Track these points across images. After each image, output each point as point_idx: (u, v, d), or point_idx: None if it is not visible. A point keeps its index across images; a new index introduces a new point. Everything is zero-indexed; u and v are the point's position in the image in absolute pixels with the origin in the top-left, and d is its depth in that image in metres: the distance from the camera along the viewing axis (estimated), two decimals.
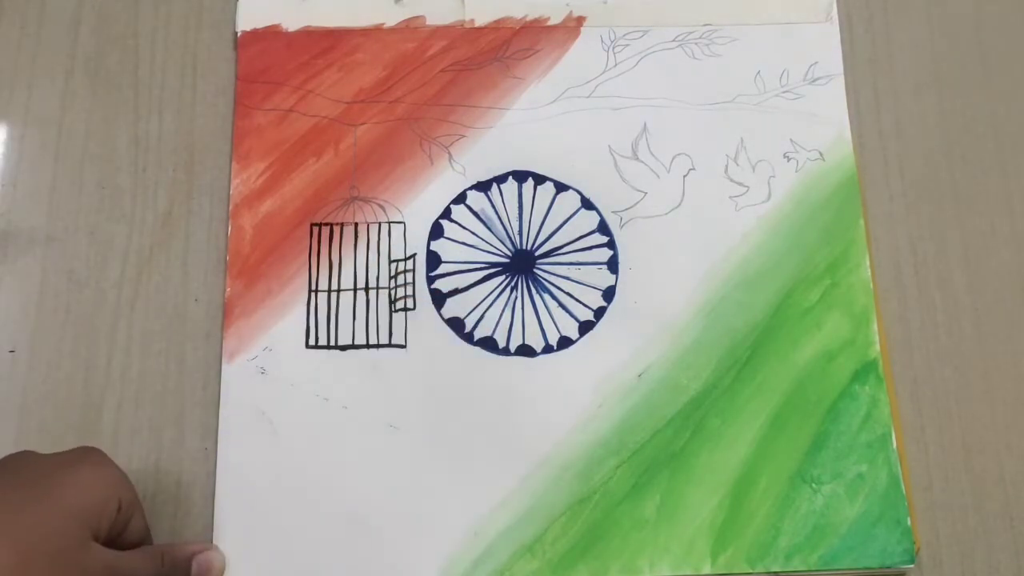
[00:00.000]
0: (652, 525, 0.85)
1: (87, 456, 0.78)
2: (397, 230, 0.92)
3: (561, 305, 0.91)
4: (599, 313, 0.90)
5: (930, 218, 0.95)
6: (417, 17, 0.98)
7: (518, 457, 0.86)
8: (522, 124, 0.95)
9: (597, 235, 0.93)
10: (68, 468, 0.76)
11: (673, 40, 0.98)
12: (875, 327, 0.90)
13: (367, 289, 0.90)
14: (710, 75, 0.97)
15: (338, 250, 0.92)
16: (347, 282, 0.91)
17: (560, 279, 0.91)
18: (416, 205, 0.93)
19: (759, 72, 0.97)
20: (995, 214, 0.95)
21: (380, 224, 0.92)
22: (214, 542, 0.84)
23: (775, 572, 0.85)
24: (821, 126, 0.95)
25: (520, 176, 0.94)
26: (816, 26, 0.98)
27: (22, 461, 0.78)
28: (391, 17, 0.98)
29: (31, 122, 0.96)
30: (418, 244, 0.92)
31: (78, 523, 0.73)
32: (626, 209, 0.93)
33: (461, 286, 0.91)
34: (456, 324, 0.90)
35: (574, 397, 0.88)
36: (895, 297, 0.93)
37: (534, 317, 0.90)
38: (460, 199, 0.93)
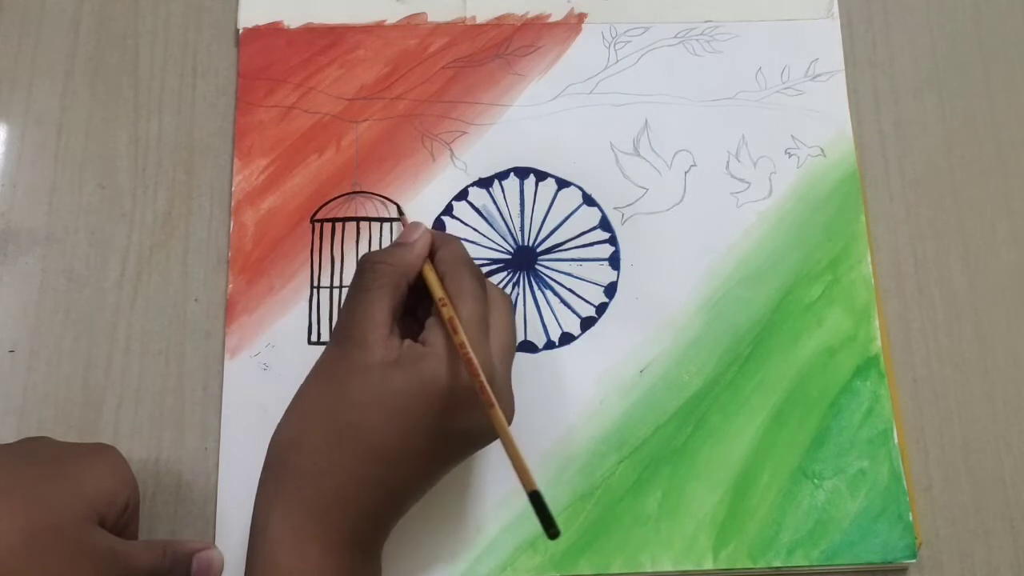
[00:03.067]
0: (654, 521, 0.85)
1: (105, 451, 0.79)
2: (399, 227, 0.92)
3: (563, 301, 0.91)
4: (601, 309, 0.91)
5: (930, 218, 0.95)
6: (418, 14, 0.98)
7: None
8: (524, 120, 0.95)
9: (599, 231, 0.93)
10: (85, 456, 0.78)
11: (674, 37, 0.98)
12: (876, 323, 0.90)
13: None
14: (711, 72, 0.97)
15: (340, 246, 0.92)
16: (349, 279, 0.89)
17: (562, 275, 0.91)
18: (418, 201, 0.93)
19: (760, 68, 0.97)
20: (995, 214, 0.95)
21: (382, 221, 0.92)
22: (215, 541, 0.84)
23: (777, 567, 0.85)
24: (822, 122, 0.96)
25: (522, 172, 0.94)
26: (817, 22, 0.98)
27: (41, 442, 0.80)
28: (393, 14, 0.98)
29: (31, 122, 0.96)
30: None
31: (87, 505, 0.73)
32: (628, 205, 0.93)
33: None
34: None
35: (576, 393, 0.88)
36: (895, 297, 0.93)
37: (536, 313, 0.90)
38: (462, 195, 0.93)
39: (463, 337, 0.74)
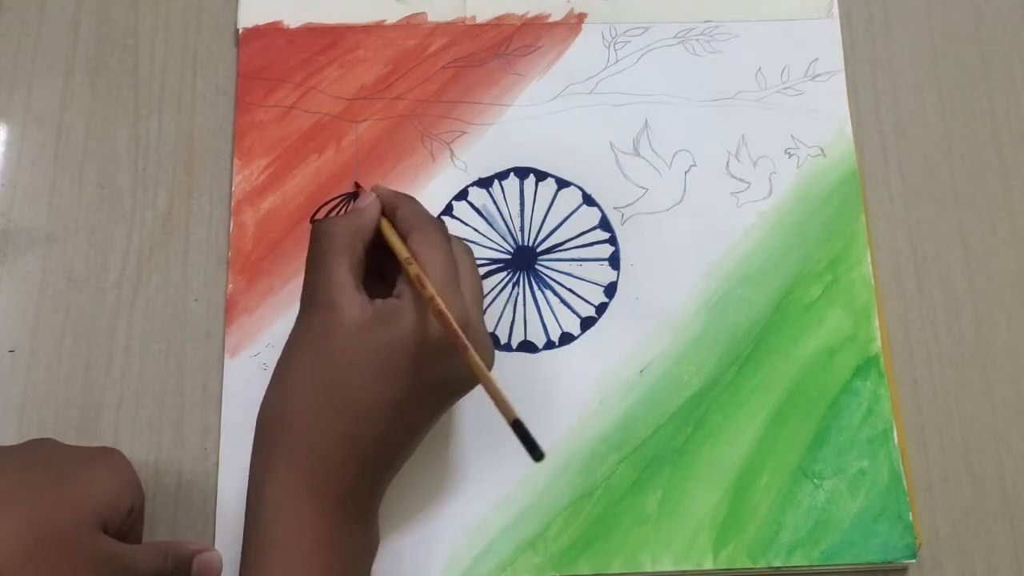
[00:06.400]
0: (654, 521, 0.85)
1: (109, 455, 0.79)
2: None
3: (563, 301, 0.91)
4: (601, 309, 0.90)
5: (930, 218, 0.95)
6: (418, 14, 0.98)
7: (520, 453, 0.86)
8: (523, 120, 0.95)
9: (599, 231, 0.93)
10: (89, 461, 0.78)
11: (674, 37, 0.98)
12: (876, 323, 0.90)
13: None
14: (711, 72, 0.97)
15: None
16: None
17: (562, 275, 0.91)
18: None
19: (760, 68, 0.97)
20: (995, 214, 0.95)
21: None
22: (215, 541, 0.84)
23: (777, 567, 0.85)
24: (822, 122, 0.96)
25: (521, 172, 0.94)
26: (817, 22, 0.98)
27: (45, 445, 0.79)
28: (393, 14, 0.98)
29: (31, 122, 0.96)
30: None
31: (90, 511, 0.73)
32: (627, 205, 0.93)
33: None
34: None
35: (576, 393, 0.88)
36: (895, 297, 0.93)
37: (536, 313, 0.90)
38: (462, 195, 0.93)
39: (432, 291, 0.74)
